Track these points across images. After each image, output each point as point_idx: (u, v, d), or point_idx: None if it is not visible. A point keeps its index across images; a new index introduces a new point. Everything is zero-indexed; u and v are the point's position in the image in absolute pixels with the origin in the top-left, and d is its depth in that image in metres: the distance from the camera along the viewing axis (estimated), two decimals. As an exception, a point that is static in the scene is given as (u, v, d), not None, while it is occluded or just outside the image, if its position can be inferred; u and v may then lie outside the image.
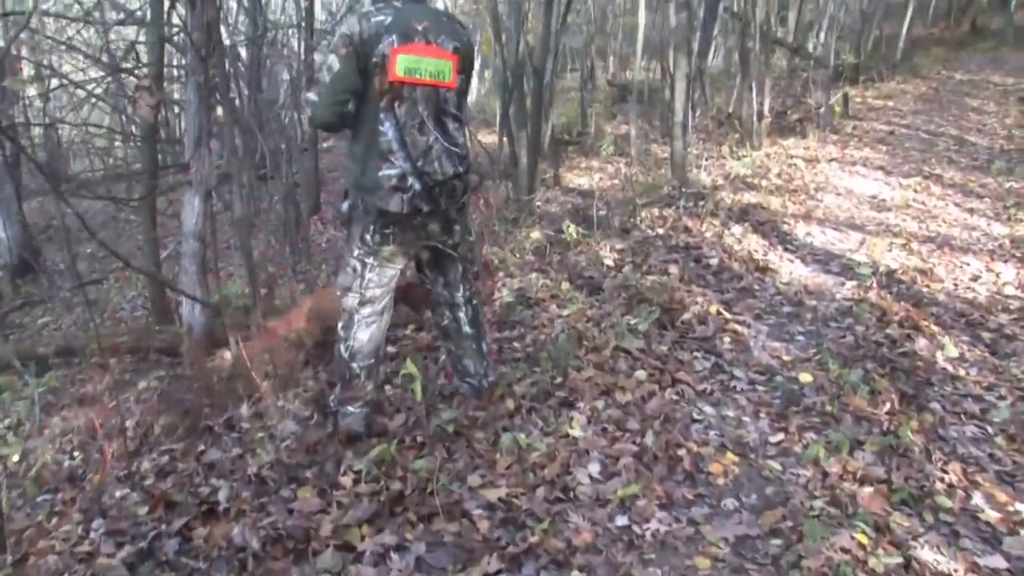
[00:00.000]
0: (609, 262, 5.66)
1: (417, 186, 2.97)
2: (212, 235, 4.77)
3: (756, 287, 5.26)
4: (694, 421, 3.48)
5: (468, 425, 3.43)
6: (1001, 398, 3.86)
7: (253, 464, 3.18)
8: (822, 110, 12.33)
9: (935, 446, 3.36)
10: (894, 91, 15.71)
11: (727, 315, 4.65)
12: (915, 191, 8.06)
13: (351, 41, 2.86)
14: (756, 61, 11.58)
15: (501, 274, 6.12)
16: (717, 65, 19.95)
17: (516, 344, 4.41)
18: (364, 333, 3.21)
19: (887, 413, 3.55)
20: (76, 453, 3.77)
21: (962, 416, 3.66)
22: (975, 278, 5.59)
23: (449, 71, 3.01)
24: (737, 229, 6.48)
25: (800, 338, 4.44)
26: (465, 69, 3.13)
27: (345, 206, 3.16)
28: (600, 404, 3.53)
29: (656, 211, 7.01)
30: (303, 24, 10.36)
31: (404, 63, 2.89)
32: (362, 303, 3.18)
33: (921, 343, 4.38)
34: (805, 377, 3.90)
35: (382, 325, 3.28)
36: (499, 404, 3.56)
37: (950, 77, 17.56)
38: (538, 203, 10.26)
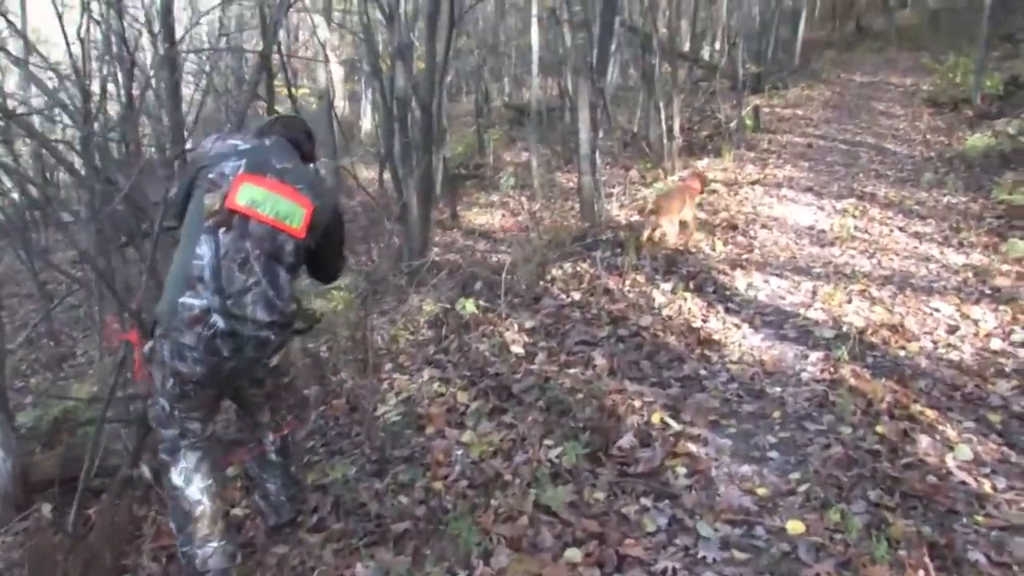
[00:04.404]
0: (518, 348, 4.55)
1: (221, 324, 2.53)
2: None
3: (703, 372, 4.22)
4: (657, 640, 2.37)
5: None
6: (1050, 526, 2.88)
7: None
8: (733, 124, 11.56)
9: (999, 640, 2.34)
10: (800, 98, 15.18)
11: (675, 425, 3.57)
12: (854, 216, 7.21)
13: (193, 162, 2.71)
14: (661, 77, 10.75)
15: (389, 367, 4.97)
16: (615, 81, 19.26)
17: (403, 499, 3.24)
18: (194, 454, 2.79)
19: (921, 586, 2.52)
20: None
21: (1016, 571, 2.65)
22: (952, 329, 4.68)
23: (300, 218, 2.66)
24: (666, 286, 5.45)
25: (774, 454, 3.38)
26: (320, 229, 2.78)
27: (147, 348, 2.72)
28: (519, 626, 2.39)
29: (569, 267, 5.95)
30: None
31: (248, 193, 2.58)
32: (183, 434, 2.77)
33: (923, 443, 3.39)
34: (795, 526, 2.84)
35: (212, 450, 2.89)
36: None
37: (850, 80, 17.22)
38: (436, 251, 9.15)
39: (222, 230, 2.54)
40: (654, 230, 6.20)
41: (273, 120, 2.98)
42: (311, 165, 3.01)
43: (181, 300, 2.52)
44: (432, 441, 3.68)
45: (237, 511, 3.53)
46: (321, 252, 2.88)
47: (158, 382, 2.69)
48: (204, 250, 2.53)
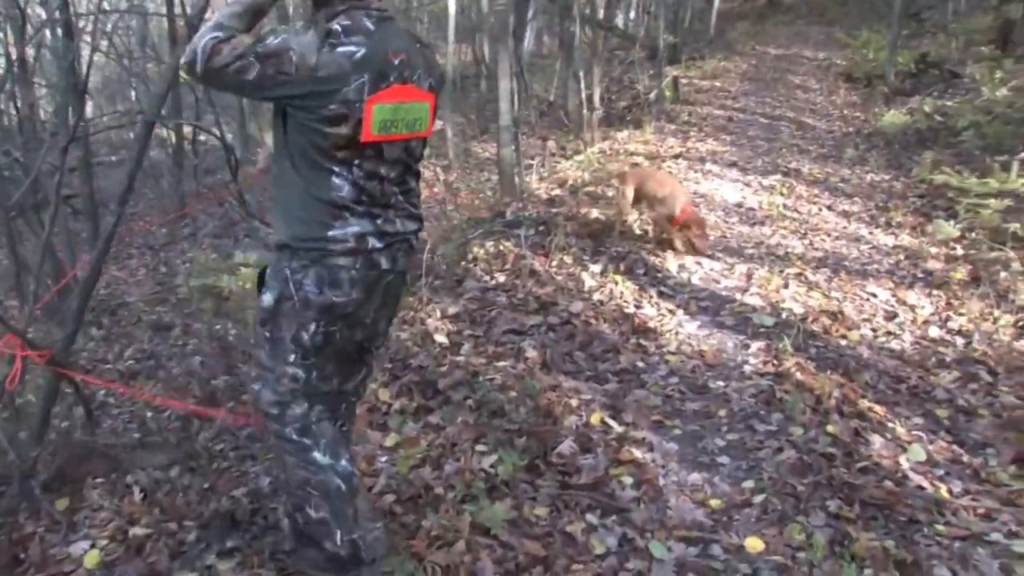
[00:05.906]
0: (442, 338, 4.20)
1: (378, 244, 2.24)
2: None
3: (640, 364, 3.96)
4: None
5: None
6: (1013, 534, 2.73)
7: None
8: (652, 96, 11.37)
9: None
10: (717, 70, 15.11)
11: (616, 427, 3.30)
12: (781, 194, 7.08)
13: (297, 66, 1.98)
14: (580, 46, 10.43)
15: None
16: (531, 48, 18.87)
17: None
18: (328, 424, 2.37)
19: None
20: None
21: (985, 588, 2.49)
22: (890, 316, 4.56)
23: (426, 117, 2.27)
24: (595, 268, 5.18)
25: (724, 459, 3.15)
26: (438, 108, 2.39)
27: (269, 297, 2.24)
28: None
29: (491, 246, 5.61)
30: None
31: (380, 116, 2.11)
32: (313, 404, 2.32)
33: (876, 443, 3.22)
34: (753, 543, 2.61)
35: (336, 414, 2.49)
36: None
37: (765, 53, 17.28)
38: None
39: (356, 161, 2.14)
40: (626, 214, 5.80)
41: None
42: (403, 27, 2.34)
43: (330, 233, 2.16)
44: (353, 447, 3.32)
45: (137, 530, 3.08)
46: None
47: (287, 339, 2.25)
48: (339, 181, 2.15)
